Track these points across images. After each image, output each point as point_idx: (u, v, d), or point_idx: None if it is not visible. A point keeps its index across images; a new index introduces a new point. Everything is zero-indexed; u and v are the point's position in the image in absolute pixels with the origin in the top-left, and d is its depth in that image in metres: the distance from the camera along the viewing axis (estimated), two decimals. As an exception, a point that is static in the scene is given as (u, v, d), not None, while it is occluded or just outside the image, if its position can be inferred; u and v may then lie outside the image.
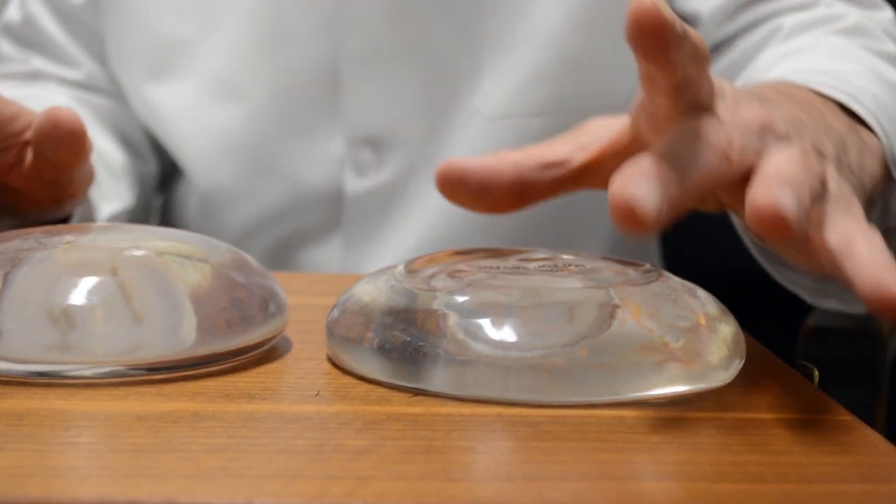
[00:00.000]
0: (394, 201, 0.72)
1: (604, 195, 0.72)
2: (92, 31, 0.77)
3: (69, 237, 0.41)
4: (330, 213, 0.72)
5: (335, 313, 0.41)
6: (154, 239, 0.42)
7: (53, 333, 0.37)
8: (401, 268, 0.41)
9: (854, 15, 0.66)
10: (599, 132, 0.45)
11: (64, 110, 0.51)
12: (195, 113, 0.72)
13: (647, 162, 0.34)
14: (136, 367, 0.38)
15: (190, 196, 0.75)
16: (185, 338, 0.38)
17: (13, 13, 0.79)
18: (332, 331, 0.40)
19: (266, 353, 0.41)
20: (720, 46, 0.71)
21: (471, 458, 0.31)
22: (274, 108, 0.71)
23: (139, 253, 0.40)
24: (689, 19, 0.71)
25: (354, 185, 0.72)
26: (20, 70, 0.78)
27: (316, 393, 0.37)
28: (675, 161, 0.35)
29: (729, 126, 0.37)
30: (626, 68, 0.71)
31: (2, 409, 0.34)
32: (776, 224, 0.33)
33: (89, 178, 0.58)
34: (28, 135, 0.54)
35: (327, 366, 0.40)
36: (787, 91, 0.46)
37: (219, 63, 0.72)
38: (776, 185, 0.34)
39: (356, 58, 0.70)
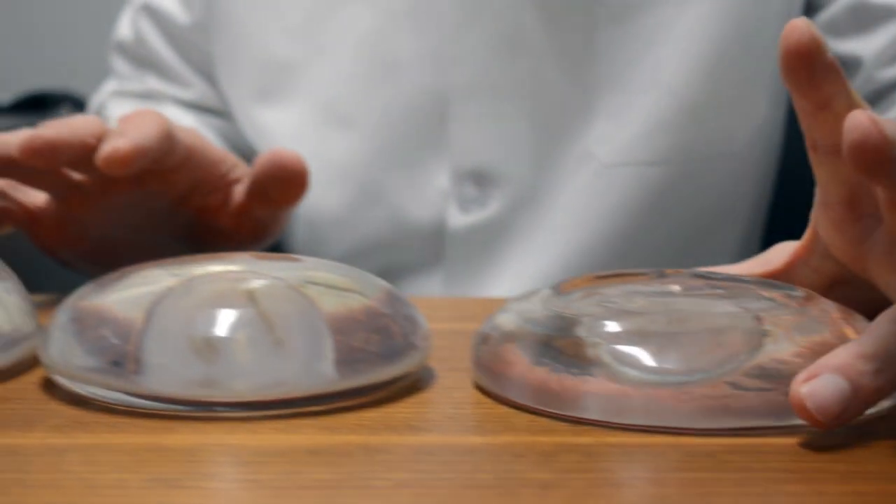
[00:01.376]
0: (497, 238, 0.71)
1: (730, 218, 0.71)
2: (201, 52, 0.77)
3: (211, 267, 0.41)
4: (432, 247, 0.71)
5: (482, 341, 0.40)
6: (299, 269, 0.41)
7: (199, 367, 0.36)
8: (547, 293, 0.41)
9: None
10: (785, 249, 0.44)
11: (288, 152, 0.52)
12: (301, 138, 0.71)
13: (843, 356, 0.34)
14: (284, 401, 0.37)
15: (295, 221, 0.75)
16: (328, 370, 0.38)
17: (125, 31, 0.80)
18: (480, 359, 0.40)
19: (413, 383, 0.40)
20: (883, 94, 0.69)
21: (662, 491, 0.31)
22: (380, 138, 0.71)
23: (278, 283, 0.39)
24: (847, 64, 0.69)
25: (458, 219, 0.71)
26: (136, 89, 0.79)
27: (478, 424, 0.36)
28: (880, 360, 0.34)
29: None
30: (745, 115, 0.70)
31: (168, 445, 0.33)
32: None
33: (289, 216, 0.59)
34: (235, 175, 0.54)
35: (478, 394, 0.39)
36: None
37: (327, 89, 0.72)
38: None
39: (464, 91, 0.69)
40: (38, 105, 1.35)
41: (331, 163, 0.72)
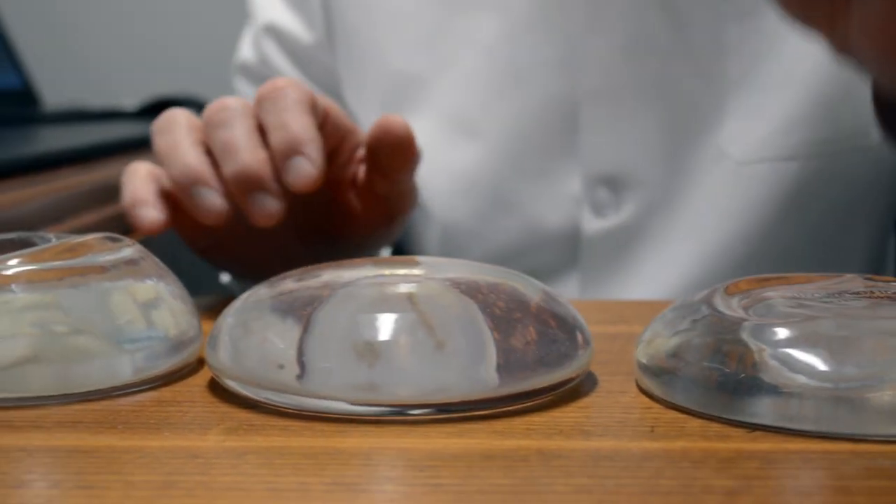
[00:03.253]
0: (632, 241, 0.70)
1: (864, 215, 0.70)
2: (325, 69, 0.78)
3: (370, 271, 0.41)
4: (567, 253, 0.71)
5: (648, 344, 0.39)
6: (458, 270, 0.41)
7: (362, 371, 0.37)
8: (713, 295, 0.40)
9: None
10: None
11: (394, 117, 0.52)
12: (432, 150, 0.72)
13: None
14: (448, 404, 0.37)
15: (428, 230, 0.75)
16: (494, 374, 0.37)
17: (247, 53, 0.81)
18: (647, 363, 0.39)
19: (575, 387, 0.40)
20: None
21: (851, 500, 0.30)
22: (510, 147, 0.71)
23: (437, 285, 0.39)
24: None
25: (592, 225, 0.70)
26: None
27: (650, 429, 0.35)
28: None
29: None
30: None
31: (343, 448, 0.34)
32: None
33: (415, 195, 0.59)
34: (361, 150, 0.55)
35: (644, 399, 0.39)
36: None
37: (455, 100, 0.72)
38: None
39: (593, 95, 0.69)
40: (162, 110, 1.37)
41: (461, 173, 0.72)
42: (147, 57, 1.64)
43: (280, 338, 0.38)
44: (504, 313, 0.39)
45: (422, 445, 0.34)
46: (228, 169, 0.49)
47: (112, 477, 0.31)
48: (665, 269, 0.70)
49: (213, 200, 0.50)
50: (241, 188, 0.49)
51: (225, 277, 0.66)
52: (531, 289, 0.41)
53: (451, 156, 0.72)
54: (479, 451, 0.33)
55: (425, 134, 0.73)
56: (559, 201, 0.71)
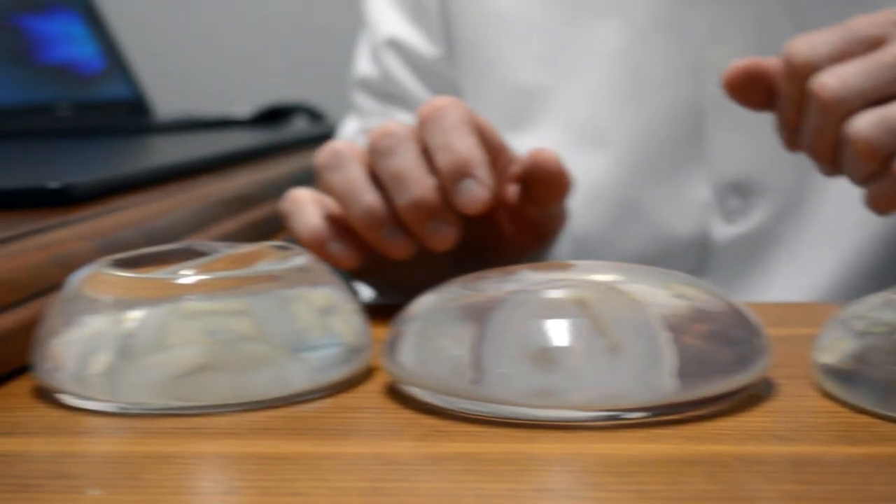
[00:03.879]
0: (763, 248, 0.70)
1: None
2: (447, 83, 0.78)
3: (538, 276, 0.41)
4: (697, 260, 0.71)
5: (828, 348, 0.39)
6: (624, 274, 0.41)
7: (538, 377, 0.37)
8: (887, 297, 0.39)
9: None
10: None
11: (545, 152, 0.52)
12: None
13: None
14: (622, 410, 0.37)
15: (559, 240, 0.75)
16: (671, 379, 0.37)
17: (368, 68, 0.82)
18: (829, 366, 0.39)
19: (754, 391, 0.40)
20: None
21: None
22: (637, 155, 0.71)
23: (608, 288, 0.39)
24: None
25: (722, 231, 0.70)
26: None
27: (845, 433, 0.35)
28: None
29: None
30: None
31: (537, 454, 0.34)
32: None
33: (565, 218, 0.59)
34: (514, 170, 0.56)
35: (828, 402, 0.38)
36: None
37: (579, 110, 0.72)
38: None
39: (719, 101, 0.68)
40: (275, 117, 1.39)
41: (588, 182, 0.72)
42: (257, 67, 1.66)
43: (458, 344, 0.38)
44: (679, 316, 0.39)
45: (616, 451, 0.34)
46: (402, 201, 0.50)
47: (317, 484, 0.31)
48: (799, 276, 0.69)
49: (399, 240, 0.51)
50: (416, 218, 0.50)
51: (365, 293, 0.66)
52: (704, 290, 0.41)
53: (577, 166, 0.72)
54: (676, 456, 0.33)
55: (551, 145, 0.72)
56: (688, 208, 0.70)
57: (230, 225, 0.70)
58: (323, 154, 0.54)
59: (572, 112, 0.72)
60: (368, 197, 0.51)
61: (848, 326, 0.39)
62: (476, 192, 0.49)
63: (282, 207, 0.56)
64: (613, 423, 0.36)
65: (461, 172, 0.49)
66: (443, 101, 0.52)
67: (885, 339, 0.37)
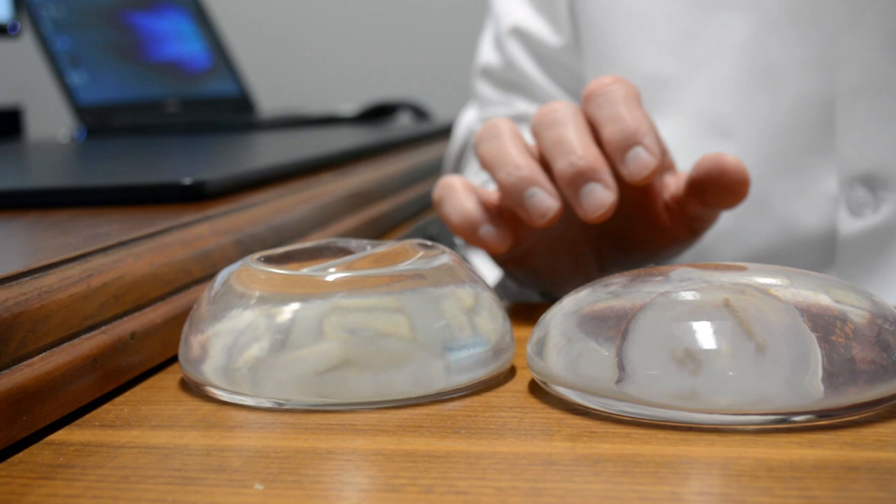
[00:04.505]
0: (892, 243, 0.68)
1: None
2: (571, 73, 0.78)
3: (684, 278, 0.41)
4: (822, 254, 0.69)
5: None
6: (773, 275, 0.40)
7: (684, 379, 0.36)
8: None
9: None
10: None
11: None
12: (682, 152, 0.71)
13: None
14: (766, 414, 0.36)
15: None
16: (819, 384, 0.36)
17: (491, 57, 0.81)
18: None
19: None
20: None
21: None
22: (764, 147, 0.70)
23: (766, 293, 0.39)
24: None
25: (849, 225, 0.69)
26: (505, 113, 0.79)
27: None
28: None
29: None
30: None
31: (695, 457, 0.33)
32: None
33: (719, 213, 0.58)
34: (668, 159, 0.56)
35: None
36: None
37: (706, 101, 0.71)
38: None
39: (851, 93, 0.67)
40: (380, 113, 1.40)
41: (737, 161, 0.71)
42: (361, 65, 1.67)
43: (605, 344, 0.38)
44: (828, 318, 0.38)
45: (776, 455, 0.33)
46: (561, 164, 0.50)
47: (479, 483, 0.31)
48: None
49: (546, 200, 0.50)
50: (574, 181, 0.49)
51: (490, 278, 0.66)
52: (854, 293, 0.40)
53: None
54: (838, 462, 0.33)
55: (676, 135, 0.72)
56: (815, 201, 0.69)
57: (351, 221, 0.70)
58: (482, 128, 0.54)
59: (699, 103, 0.72)
60: (517, 159, 0.51)
61: None
62: (645, 159, 0.49)
63: (434, 194, 0.56)
64: (767, 427, 0.36)
65: (630, 140, 0.49)
66: (609, 78, 0.52)
67: None
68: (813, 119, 0.69)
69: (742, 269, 0.42)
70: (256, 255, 0.43)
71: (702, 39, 0.71)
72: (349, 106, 1.41)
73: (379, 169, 0.88)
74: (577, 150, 0.50)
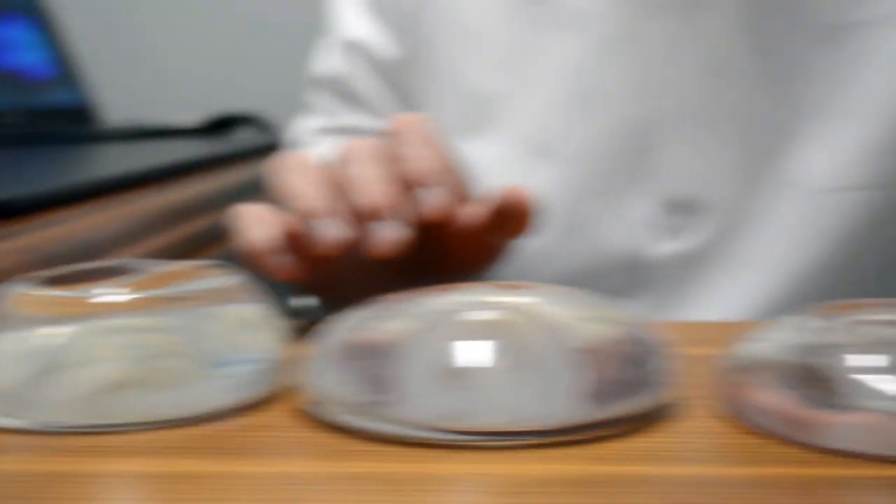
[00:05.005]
0: (702, 267, 0.71)
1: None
2: (406, 86, 0.79)
3: (460, 298, 0.42)
4: (635, 277, 0.72)
5: (730, 368, 0.40)
6: (542, 298, 0.42)
7: (449, 398, 0.38)
8: (799, 319, 0.40)
9: None
10: None
11: (522, 191, 0.54)
12: (505, 170, 0.73)
13: None
14: (532, 431, 0.38)
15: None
16: (579, 401, 0.38)
17: (327, 66, 0.82)
18: (727, 387, 0.40)
19: (658, 411, 0.41)
20: None
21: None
22: (583, 169, 0.72)
23: (532, 314, 0.40)
24: None
25: (661, 249, 0.71)
26: (343, 125, 0.80)
27: (737, 454, 0.36)
28: None
29: None
30: None
31: (431, 473, 0.35)
32: None
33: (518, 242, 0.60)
34: (469, 190, 0.57)
35: (725, 424, 0.39)
36: None
37: (531, 121, 0.73)
38: None
39: (670, 119, 0.70)
40: (222, 126, 1.40)
41: (535, 195, 0.73)
42: (205, 76, 1.66)
43: (371, 364, 0.39)
44: (586, 339, 0.40)
45: (504, 471, 0.35)
46: (354, 199, 0.51)
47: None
48: (736, 296, 0.70)
49: (334, 230, 0.51)
50: (365, 218, 0.51)
51: (297, 301, 0.67)
52: (616, 314, 0.42)
53: (524, 178, 0.73)
54: (562, 477, 0.34)
55: (500, 155, 0.74)
56: (631, 224, 0.71)
57: (163, 239, 0.70)
58: (277, 160, 0.55)
59: (525, 122, 0.73)
60: (310, 190, 0.52)
61: (753, 347, 0.40)
62: (438, 200, 0.51)
63: (228, 222, 0.56)
64: (516, 444, 0.37)
65: (425, 179, 0.51)
66: (410, 117, 0.53)
67: (786, 360, 0.38)
68: (631, 144, 0.71)
69: (514, 288, 0.44)
70: (37, 276, 0.43)
71: (531, 60, 0.73)
72: (191, 117, 1.40)
73: (207, 183, 0.88)
74: (372, 187, 0.51)
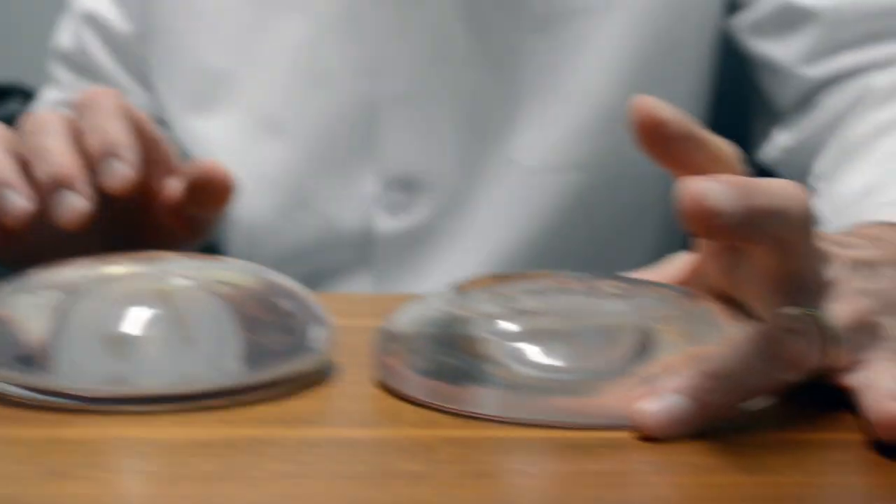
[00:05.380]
0: (425, 242, 0.73)
1: (648, 219, 0.74)
2: (141, 61, 0.79)
3: (121, 267, 0.43)
4: (361, 252, 0.74)
5: (383, 337, 0.42)
6: (207, 268, 0.43)
7: (107, 363, 0.38)
8: (448, 291, 0.42)
9: None
10: (683, 259, 0.46)
11: (218, 167, 0.54)
12: (236, 147, 0.73)
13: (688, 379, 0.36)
14: (188, 395, 0.39)
15: (230, 226, 0.76)
16: (235, 366, 0.39)
17: (65, 40, 0.82)
18: (380, 354, 0.41)
19: (315, 377, 0.42)
20: (806, 100, 0.71)
21: (523, 483, 0.33)
22: (311, 146, 0.73)
23: (193, 282, 0.41)
24: (770, 66, 0.72)
25: (386, 224, 0.73)
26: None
27: (370, 417, 0.38)
28: (727, 377, 0.36)
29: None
30: None
31: (67, 437, 0.35)
32: None
33: (223, 215, 0.60)
34: (176, 165, 0.57)
35: (376, 389, 0.41)
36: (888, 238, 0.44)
37: (259, 98, 0.74)
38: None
39: (393, 99, 0.72)
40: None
41: (263, 170, 0.74)
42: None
43: (29, 328, 0.39)
44: (249, 308, 0.41)
45: (146, 435, 0.36)
46: (39, 170, 0.50)
47: None
48: (456, 270, 0.72)
49: (18, 201, 0.50)
50: (49, 188, 0.50)
51: None
52: (277, 286, 0.43)
53: (254, 154, 0.74)
54: (199, 439, 0.35)
55: (229, 131, 0.74)
56: (356, 201, 0.73)
57: None
58: None
59: (253, 99, 0.74)
60: None
61: (403, 318, 0.42)
62: (121, 171, 0.50)
63: None
64: (167, 409, 0.38)
65: (108, 151, 0.50)
66: (100, 90, 0.53)
67: (428, 330, 0.40)
68: (357, 122, 0.73)
69: (163, 259, 0.44)
70: None
71: (260, 38, 0.74)
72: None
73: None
74: (54, 157, 0.51)
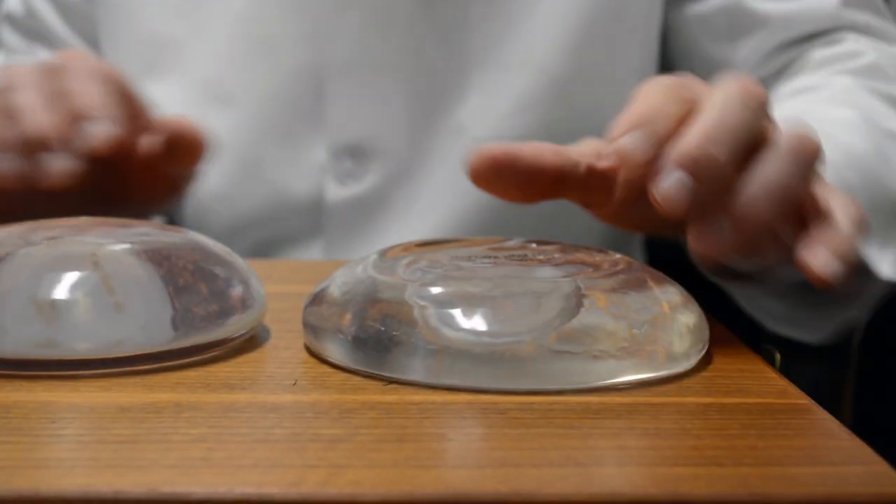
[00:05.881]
0: (374, 209, 0.73)
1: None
2: (91, 25, 0.78)
3: (52, 232, 0.42)
4: (311, 220, 0.74)
5: (311, 303, 0.42)
6: (135, 234, 0.43)
7: (37, 327, 0.38)
8: (374, 257, 0.42)
9: (872, 54, 0.68)
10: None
11: (191, 124, 0.56)
12: (184, 114, 0.73)
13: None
14: (117, 360, 0.39)
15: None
16: (165, 330, 0.39)
17: (15, 4, 0.81)
18: (307, 320, 0.41)
19: (245, 343, 0.42)
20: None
21: (442, 446, 0.33)
22: (259, 115, 0.73)
23: (120, 247, 0.41)
24: (718, 65, 0.72)
25: (335, 193, 0.73)
26: (27, 62, 0.79)
27: (293, 382, 0.38)
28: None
29: None
30: (612, 90, 0.73)
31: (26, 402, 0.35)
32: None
33: (196, 176, 0.61)
34: (151, 120, 0.57)
35: (304, 355, 0.41)
36: None
37: (207, 67, 0.73)
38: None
39: (340, 67, 0.71)
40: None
41: (213, 139, 0.73)
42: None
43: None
44: (178, 273, 0.41)
45: (66, 398, 0.36)
46: (17, 131, 0.50)
47: None
48: (406, 237, 0.72)
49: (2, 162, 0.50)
50: (29, 149, 0.50)
51: None
52: (205, 250, 0.43)
53: (204, 122, 0.74)
54: (119, 404, 0.35)
55: (178, 99, 0.74)
56: (305, 169, 0.73)
57: None
58: None
59: (201, 68, 0.74)
60: None
61: (331, 284, 0.42)
62: (102, 131, 0.50)
63: None
64: (94, 373, 0.38)
65: (86, 113, 0.50)
66: (75, 51, 0.53)
67: (354, 296, 0.40)
68: (305, 91, 0.72)
69: (110, 225, 0.45)
70: None
71: (206, 5, 0.74)
72: None
73: None
74: (38, 116, 0.50)
